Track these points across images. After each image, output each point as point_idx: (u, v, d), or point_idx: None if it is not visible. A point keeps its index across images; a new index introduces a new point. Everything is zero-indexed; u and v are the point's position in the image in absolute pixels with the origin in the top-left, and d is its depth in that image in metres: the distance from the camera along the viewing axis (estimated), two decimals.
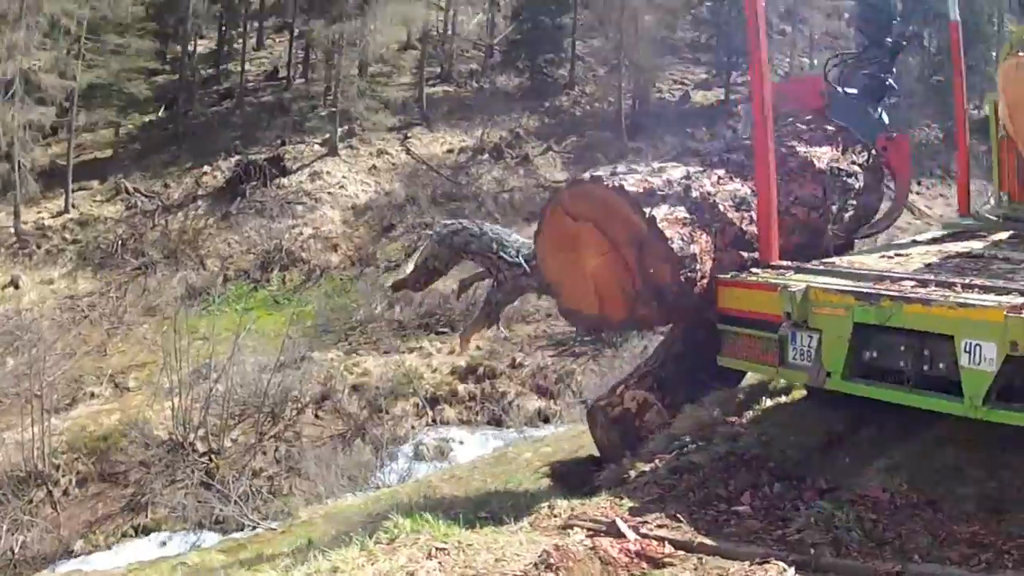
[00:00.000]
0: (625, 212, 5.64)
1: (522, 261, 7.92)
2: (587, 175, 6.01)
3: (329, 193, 32.00)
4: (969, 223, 8.60)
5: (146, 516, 17.91)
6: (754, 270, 6.02)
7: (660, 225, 5.74)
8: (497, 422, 24.15)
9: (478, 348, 26.71)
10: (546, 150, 35.85)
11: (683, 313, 6.23)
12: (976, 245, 7.17)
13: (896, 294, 5.03)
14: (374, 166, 33.88)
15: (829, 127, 8.05)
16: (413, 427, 23.27)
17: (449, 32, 40.47)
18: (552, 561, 4.26)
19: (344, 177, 32.78)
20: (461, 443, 22.90)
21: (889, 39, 8.49)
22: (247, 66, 38.26)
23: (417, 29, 38.41)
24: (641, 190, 5.90)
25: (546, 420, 24.44)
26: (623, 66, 37.14)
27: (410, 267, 8.87)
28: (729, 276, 5.90)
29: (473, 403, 24.69)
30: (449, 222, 8.92)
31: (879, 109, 8.51)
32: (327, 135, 34.06)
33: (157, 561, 14.75)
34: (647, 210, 5.72)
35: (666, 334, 7.47)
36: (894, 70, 8.66)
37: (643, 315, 5.98)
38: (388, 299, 27.65)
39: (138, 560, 15.24)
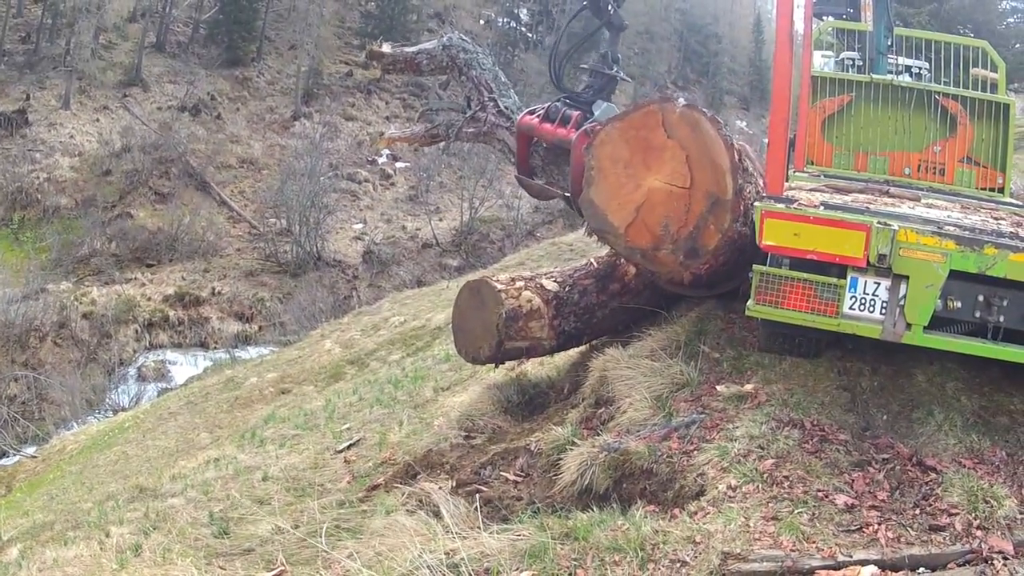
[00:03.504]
0: (723, 170, 5.13)
1: (512, 115, 7.32)
2: (709, 113, 5.33)
3: (61, 142, 36.03)
4: None
5: None
6: (757, 204, 4.84)
7: (740, 198, 5.27)
8: (203, 344, 30.23)
9: (183, 278, 32.61)
10: (236, 111, 43.09)
11: (691, 279, 5.61)
12: None
13: (1003, 242, 4.42)
14: (98, 119, 38.18)
15: None
16: (134, 351, 28.63)
17: (166, 9, 45.55)
18: None
19: (74, 128, 36.91)
20: (175, 363, 28.59)
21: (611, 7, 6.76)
22: (6, 32, 40.75)
23: (141, 6, 44.23)
24: (738, 159, 5.32)
25: (246, 341, 30.86)
26: (302, 46, 45.85)
27: (410, 49, 8.04)
28: (783, 207, 4.74)
29: (182, 327, 30.23)
30: (468, 42, 7.94)
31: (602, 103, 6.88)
32: (62, 92, 38.21)
33: None
34: (740, 181, 5.23)
35: (603, 265, 6.79)
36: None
37: (661, 258, 5.35)
38: (107, 236, 32.60)
39: None
